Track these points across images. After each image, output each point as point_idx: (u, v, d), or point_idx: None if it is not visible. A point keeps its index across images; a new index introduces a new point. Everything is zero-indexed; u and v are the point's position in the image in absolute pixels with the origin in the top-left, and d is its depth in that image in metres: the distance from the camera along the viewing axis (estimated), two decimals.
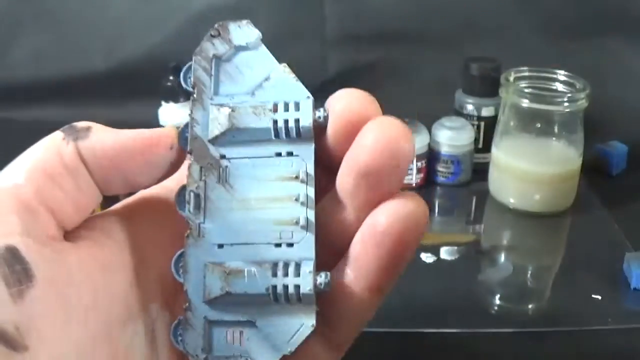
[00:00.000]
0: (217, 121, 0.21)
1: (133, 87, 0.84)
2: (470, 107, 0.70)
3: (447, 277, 0.55)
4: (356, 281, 0.21)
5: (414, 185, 0.68)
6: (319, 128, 0.21)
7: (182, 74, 0.22)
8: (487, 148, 0.68)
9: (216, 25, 0.22)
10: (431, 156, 0.68)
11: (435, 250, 0.57)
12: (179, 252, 0.21)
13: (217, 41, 0.22)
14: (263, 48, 0.22)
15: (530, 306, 0.53)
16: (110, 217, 0.22)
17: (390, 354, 0.46)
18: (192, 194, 0.21)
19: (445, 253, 0.57)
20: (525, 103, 0.61)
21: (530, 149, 0.63)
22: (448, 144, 0.67)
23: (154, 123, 0.71)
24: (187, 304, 0.21)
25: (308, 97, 0.21)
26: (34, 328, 0.18)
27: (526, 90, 0.61)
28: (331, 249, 0.21)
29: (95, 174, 0.22)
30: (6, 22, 0.86)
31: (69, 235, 0.21)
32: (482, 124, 0.69)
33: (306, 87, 0.22)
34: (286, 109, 0.21)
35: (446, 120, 0.68)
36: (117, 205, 0.23)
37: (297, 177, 0.21)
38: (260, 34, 0.22)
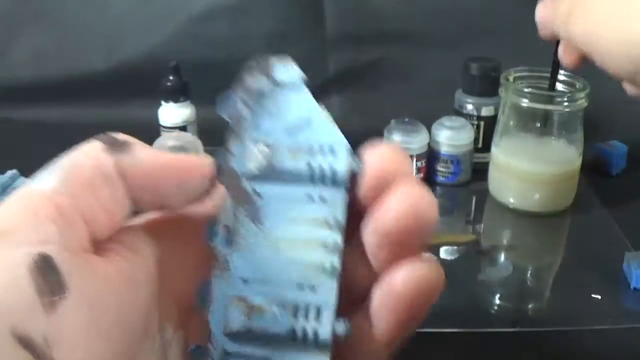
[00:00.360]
0: (254, 158, 0.21)
1: (133, 87, 0.84)
2: (470, 107, 0.70)
3: (447, 277, 0.54)
4: (372, 333, 0.21)
5: None
6: (351, 176, 0.21)
7: (220, 102, 0.22)
8: (486, 148, 0.68)
9: (258, 59, 0.22)
10: (431, 156, 0.68)
11: (435, 250, 0.57)
12: (203, 283, 0.21)
13: (258, 75, 0.22)
14: (304, 88, 0.22)
15: (530, 306, 0.53)
16: (137, 231, 0.22)
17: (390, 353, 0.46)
18: (223, 227, 0.21)
19: (445, 253, 0.57)
20: (525, 103, 0.61)
21: (530, 148, 0.63)
22: (448, 144, 0.67)
23: (154, 123, 0.72)
24: (208, 334, 0.21)
25: (344, 144, 0.21)
26: (62, 341, 0.18)
27: (526, 90, 0.61)
28: (349, 294, 0.22)
29: (131, 189, 0.22)
30: (6, 22, 0.86)
31: (98, 247, 0.21)
32: (482, 123, 0.69)
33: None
34: (322, 153, 0.21)
35: (446, 120, 0.68)
36: (144, 220, 0.23)
37: (326, 223, 0.21)
38: (304, 75, 0.22)
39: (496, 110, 0.68)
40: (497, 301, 0.53)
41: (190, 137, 0.70)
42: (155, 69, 0.73)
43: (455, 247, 0.58)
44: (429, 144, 0.67)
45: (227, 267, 0.21)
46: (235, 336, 0.21)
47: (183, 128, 0.71)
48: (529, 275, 0.57)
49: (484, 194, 0.67)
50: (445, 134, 0.67)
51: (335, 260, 0.21)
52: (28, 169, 0.70)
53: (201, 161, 0.22)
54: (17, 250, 0.19)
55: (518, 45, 0.78)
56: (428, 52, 0.83)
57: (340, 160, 0.21)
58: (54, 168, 0.21)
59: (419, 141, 0.67)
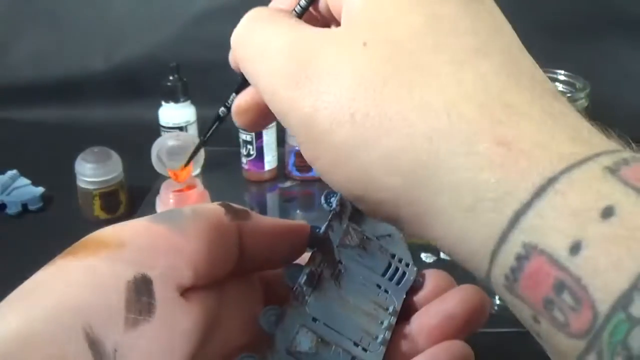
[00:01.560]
0: (350, 236, 0.27)
1: (133, 87, 0.84)
2: None
3: None
4: None
5: None
6: (413, 286, 0.27)
7: (325, 196, 0.27)
8: None
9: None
10: None
11: (435, 250, 0.57)
12: (268, 307, 0.24)
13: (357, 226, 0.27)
14: (400, 239, 0.28)
15: None
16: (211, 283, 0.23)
17: None
18: (310, 272, 0.25)
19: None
20: None
21: None
22: None
23: (154, 123, 0.72)
24: (270, 345, 0.23)
25: (413, 263, 0.27)
26: (130, 358, 0.19)
27: None
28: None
29: (247, 249, 0.24)
30: (6, 22, 0.86)
31: (185, 293, 0.21)
32: None
33: None
34: (399, 262, 0.27)
35: None
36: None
37: (387, 309, 0.26)
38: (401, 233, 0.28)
39: None
40: (497, 301, 0.53)
41: (190, 137, 0.70)
42: (155, 69, 0.74)
43: None
44: None
45: (304, 302, 0.25)
46: (296, 356, 0.24)
47: (183, 128, 0.71)
48: None
49: None
50: None
51: (387, 334, 0.26)
52: (28, 169, 0.70)
53: (303, 226, 0.26)
54: (124, 265, 0.20)
55: None
56: None
57: (410, 271, 0.27)
58: (184, 210, 0.23)
59: None
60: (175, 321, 0.20)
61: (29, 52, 0.86)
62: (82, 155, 0.62)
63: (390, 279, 0.27)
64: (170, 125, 0.71)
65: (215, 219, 0.23)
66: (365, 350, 0.25)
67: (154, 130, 0.71)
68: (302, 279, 0.25)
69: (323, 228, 0.26)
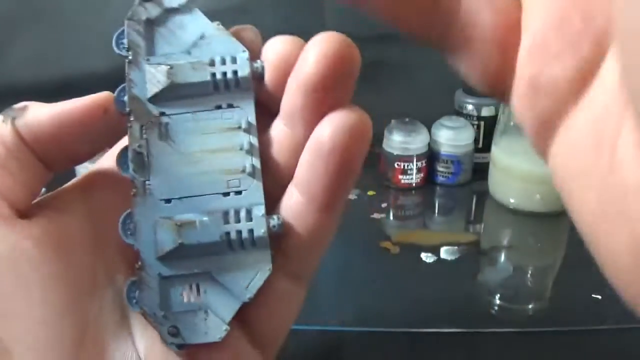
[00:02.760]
0: (155, 79, 0.21)
1: None
2: (470, 107, 0.70)
3: (447, 277, 0.55)
4: (307, 204, 0.20)
5: (414, 185, 0.68)
6: (257, 78, 0.21)
7: (114, 40, 0.23)
8: (487, 148, 0.68)
9: None
10: (431, 156, 0.68)
11: (435, 250, 0.57)
12: (125, 213, 0.21)
13: (148, 5, 0.22)
14: (195, 9, 0.23)
15: (530, 306, 0.53)
16: (66, 193, 0.22)
17: (390, 354, 0.46)
18: (134, 153, 0.21)
19: (445, 253, 0.57)
20: None
21: (530, 148, 0.63)
22: (448, 144, 0.67)
23: None
24: (139, 263, 0.20)
25: (244, 50, 0.21)
26: None
27: None
28: (282, 182, 0.21)
29: (37, 151, 0.21)
30: (6, 23, 0.86)
31: (23, 215, 0.21)
32: (482, 123, 0.69)
33: None
34: (223, 62, 0.21)
35: (446, 120, 0.68)
36: (73, 181, 0.23)
37: (239, 127, 0.21)
38: None
39: (496, 110, 0.68)
40: (497, 301, 0.53)
41: None
42: None
43: (456, 247, 0.58)
44: (429, 144, 0.67)
45: (146, 191, 0.21)
46: (168, 258, 0.20)
47: None
48: (529, 275, 0.56)
49: (484, 194, 0.67)
50: (446, 134, 0.67)
51: (255, 161, 0.21)
52: None
53: (96, 98, 0.22)
54: None
55: None
56: (428, 52, 0.82)
57: (242, 66, 0.21)
58: None
59: (419, 141, 0.67)
60: (18, 249, 0.19)
61: (29, 52, 0.86)
62: None
63: (226, 88, 0.21)
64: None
65: None
66: (239, 193, 0.21)
67: None
68: (131, 165, 0.21)
69: (120, 88, 0.22)
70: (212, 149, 0.21)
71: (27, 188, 0.21)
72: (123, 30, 0.23)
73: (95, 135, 0.22)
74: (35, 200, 0.21)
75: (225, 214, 0.20)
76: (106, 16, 0.90)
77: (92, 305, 0.21)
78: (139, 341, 0.21)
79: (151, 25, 0.22)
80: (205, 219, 0.20)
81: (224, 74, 0.21)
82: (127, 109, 0.21)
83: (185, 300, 0.21)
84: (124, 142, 0.22)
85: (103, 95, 0.22)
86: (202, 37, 0.22)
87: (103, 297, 0.21)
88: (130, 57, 0.22)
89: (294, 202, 0.21)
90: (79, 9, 0.86)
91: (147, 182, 0.21)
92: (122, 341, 0.21)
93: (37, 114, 0.21)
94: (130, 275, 0.21)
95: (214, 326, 0.20)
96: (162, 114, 0.21)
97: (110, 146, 0.23)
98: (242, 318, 0.21)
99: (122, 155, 0.21)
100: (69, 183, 0.23)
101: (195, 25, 0.22)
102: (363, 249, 0.59)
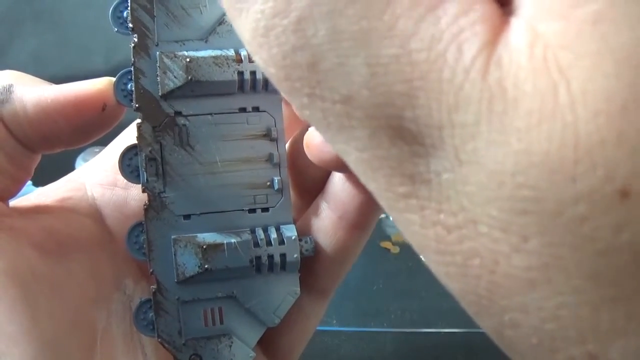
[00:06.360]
0: (171, 73, 0.18)
1: None
2: None
3: None
4: (339, 222, 0.19)
5: None
6: None
7: (111, 12, 0.19)
8: None
9: None
10: None
11: None
12: (134, 223, 0.18)
13: None
14: None
15: None
16: (70, 194, 0.21)
17: (390, 354, 0.46)
18: (147, 159, 0.18)
19: None
20: None
21: None
22: None
23: None
24: (155, 287, 0.18)
25: None
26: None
27: None
28: (304, 187, 0.19)
29: (22, 140, 0.20)
30: (6, 22, 0.86)
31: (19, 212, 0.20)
32: None
33: None
34: (251, 58, 0.17)
35: None
36: (78, 181, 0.21)
37: (266, 135, 0.19)
38: None
39: None
40: None
41: None
42: None
43: None
44: None
45: (163, 205, 0.18)
46: (190, 282, 0.18)
47: None
48: None
49: None
50: None
51: (283, 174, 0.19)
52: None
53: (93, 91, 0.19)
54: None
55: None
56: None
57: None
58: None
59: None
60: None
61: (29, 52, 0.86)
62: (82, 155, 0.62)
63: (252, 88, 0.18)
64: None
65: None
66: (265, 210, 0.18)
67: None
68: (143, 175, 0.18)
69: (125, 78, 0.19)
70: (235, 159, 0.19)
71: (14, 179, 0.20)
72: (124, 2, 0.19)
73: (84, 131, 0.20)
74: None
75: (254, 234, 0.18)
76: (106, 16, 0.89)
77: (100, 313, 0.19)
78: (151, 355, 0.20)
79: (160, 1, 0.19)
80: (233, 241, 0.18)
81: (253, 72, 0.18)
82: (135, 105, 0.19)
83: (207, 325, 0.18)
84: (124, 137, 0.20)
85: (102, 87, 0.20)
86: (221, 21, 0.19)
87: (110, 306, 0.19)
88: (136, 40, 0.19)
89: (325, 219, 0.19)
90: (79, 9, 0.86)
91: (162, 194, 0.18)
92: (131, 356, 0.19)
93: (23, 100, 0.19)
94: (142, 279, 0.20)
95: (240, 352, 0.18)
96: (178, 113, 0.18)
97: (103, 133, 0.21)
98: (263, 337, 0.20)
99: (127, 157, 0.19)
100: (75, 184, 0.22)
101: (213, 5, 0.18)
102: (363, 248, 0.59)
